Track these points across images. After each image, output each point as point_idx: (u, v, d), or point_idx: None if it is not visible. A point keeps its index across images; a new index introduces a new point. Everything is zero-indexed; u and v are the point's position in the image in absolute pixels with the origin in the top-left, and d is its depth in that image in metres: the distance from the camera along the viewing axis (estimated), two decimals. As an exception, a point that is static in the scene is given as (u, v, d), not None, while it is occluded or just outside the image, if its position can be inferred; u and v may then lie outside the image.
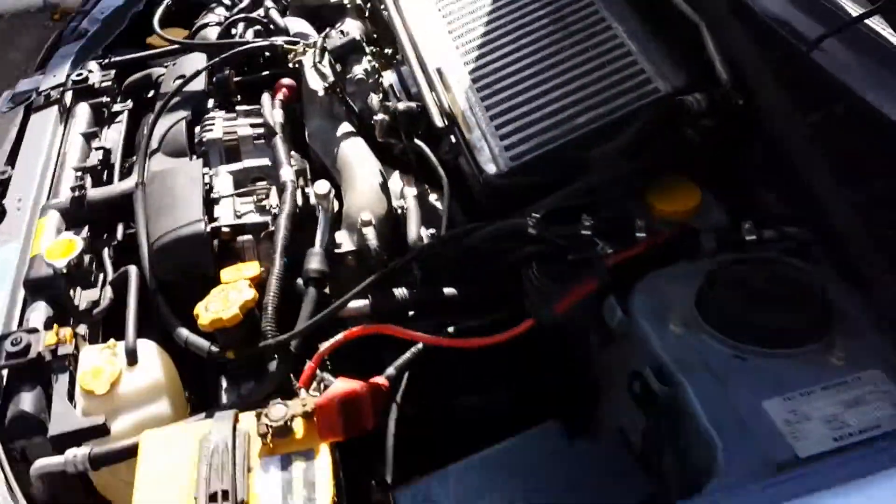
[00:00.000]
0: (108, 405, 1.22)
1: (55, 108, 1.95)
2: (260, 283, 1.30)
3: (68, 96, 1.94)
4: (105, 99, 1.93)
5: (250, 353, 1.24)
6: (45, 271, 1.43)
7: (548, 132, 1.37)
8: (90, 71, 2.01)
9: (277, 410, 1.06)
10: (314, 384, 1.14)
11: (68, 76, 2.01)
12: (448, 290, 1.31)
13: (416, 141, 1.45)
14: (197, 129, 1.67)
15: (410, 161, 1.51)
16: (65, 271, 1.39)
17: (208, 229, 1.40)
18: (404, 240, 1.36)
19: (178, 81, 1.76)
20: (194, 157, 1.62)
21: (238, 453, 1.02)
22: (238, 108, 1.72)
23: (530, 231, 1.16)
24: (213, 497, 0.97)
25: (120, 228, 1.65)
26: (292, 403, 1.06)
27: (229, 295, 1.28)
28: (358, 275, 1.36)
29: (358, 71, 1.62)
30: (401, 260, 1.26)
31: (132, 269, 1.43)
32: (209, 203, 1.47)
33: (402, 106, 1.46)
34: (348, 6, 1.94)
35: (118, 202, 1.61)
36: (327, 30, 1.73)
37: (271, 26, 1.90)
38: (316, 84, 1.63)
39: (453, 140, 1.43)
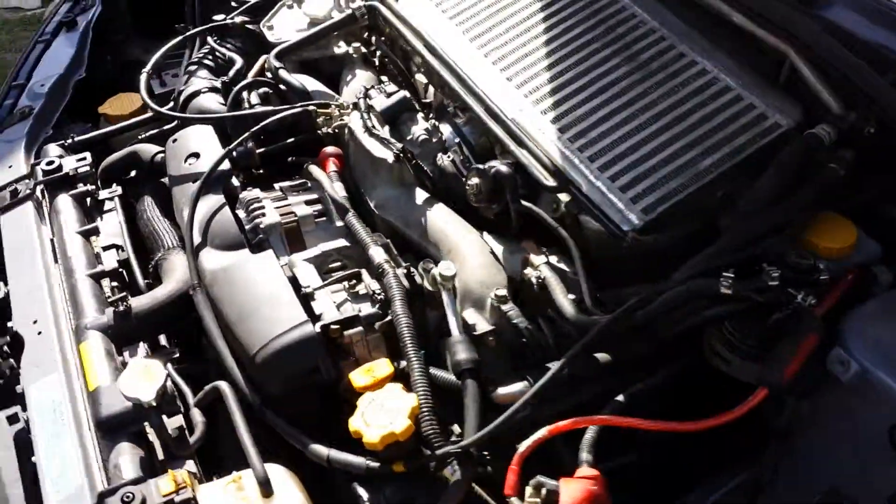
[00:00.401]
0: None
1: (28, 204, 1.66)
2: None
3: (39, 189, 1.66)
4: (88, 187, 1.66)
5: (423, 461, 1.07)
6: (122, 406, 1.18)
7: (672, 180, 1.30)
8: (59, 156, 1.73)
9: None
10: (530, 489, 1.00)
11: (33, 166, 1.72)
12: (602, 356, 1.21)
13: (526, 203, 1.33)
14: (241, 213, 1.45)
15: (506, 224, 1.39)
16: (154, 403, 1.15)
17: (318, 329, 1.21)
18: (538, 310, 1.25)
19: (196, 161, 1.54)
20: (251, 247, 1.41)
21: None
22: (278, 185, 1.53)
23: (723, 291, 1.07)
24: None
25: (163, 338, 1.43)
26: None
27: (386, 404, 1.11)
28: (499, 355, 1.23)
29: (419, 132, 1.49)
30: (580, 343, 1.13)
31: (224, 387, 1.22)
32: (303, 299, 1.27)
33: (504, 168, 1.33)
34: (354, 56, 1.79)
35: (168, 311, 1.38)
36: (364, 89, 1.58)
37: (282, 87, 1.71)
38: (381, 151, 1.47)
39: (566, 198, 1.33)
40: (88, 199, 1.68)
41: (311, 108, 1.59)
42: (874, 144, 1.25)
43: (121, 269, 1.49)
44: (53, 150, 1.76)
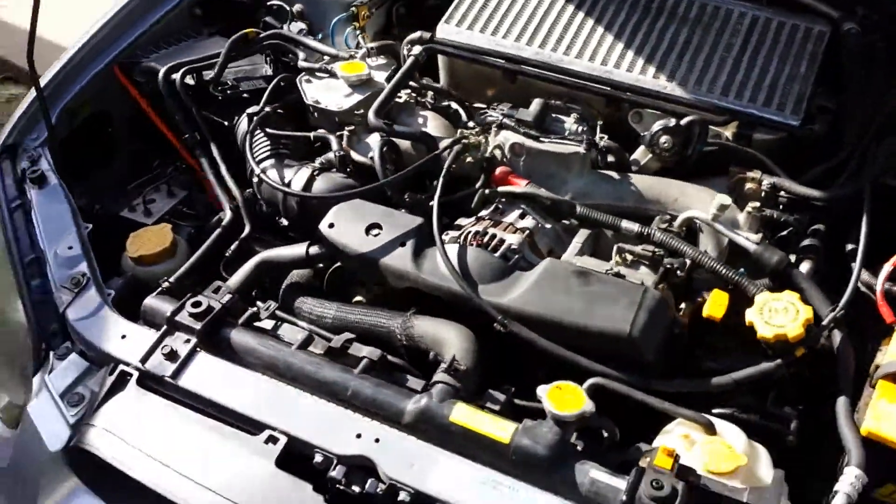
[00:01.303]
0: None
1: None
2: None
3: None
4: (249, 311, 1.43)
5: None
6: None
7: (792, 86, 1.64)
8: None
9: None
10: None
11: (172, 318, 1.38)
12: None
13: (712, 141, 1.58)
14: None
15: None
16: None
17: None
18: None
19: (381, 231, 1.45)
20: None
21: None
22: (465, 220, 1.55)
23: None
24: None
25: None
26: None
27: (783, 308, 1.27)
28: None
29: (573, 125, 1.63)
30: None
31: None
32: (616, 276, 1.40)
33: (693, 117, 1.58)
34: (410, 102, 1.80)
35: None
36: (501, 108, 1.67)
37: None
38: (567, 148, 1.57)
39: (732, 127, 1.61)
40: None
41: (463, 142, 1.61)
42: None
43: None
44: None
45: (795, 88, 1.65)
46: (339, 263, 1.53)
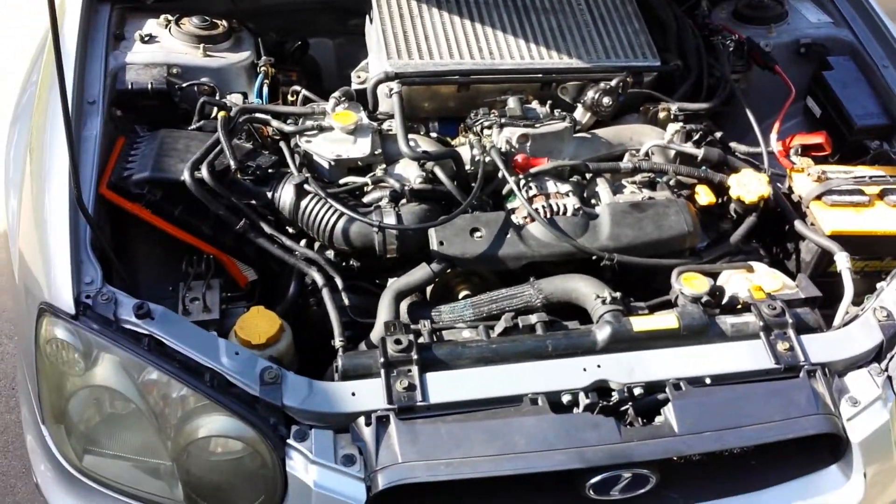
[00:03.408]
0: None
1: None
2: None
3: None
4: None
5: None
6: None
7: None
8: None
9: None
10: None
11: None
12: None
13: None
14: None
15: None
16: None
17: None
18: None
19: (483, 231, 1.82)
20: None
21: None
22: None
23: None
24: None
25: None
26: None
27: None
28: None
29: (544, 110, 2.14)
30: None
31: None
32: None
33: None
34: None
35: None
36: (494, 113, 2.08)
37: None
38: (559, 125, 2.07)
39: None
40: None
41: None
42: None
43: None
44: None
45: (642, 39, 2.34)
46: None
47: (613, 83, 2.18)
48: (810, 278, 1.90)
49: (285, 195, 1.90)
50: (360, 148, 1.99)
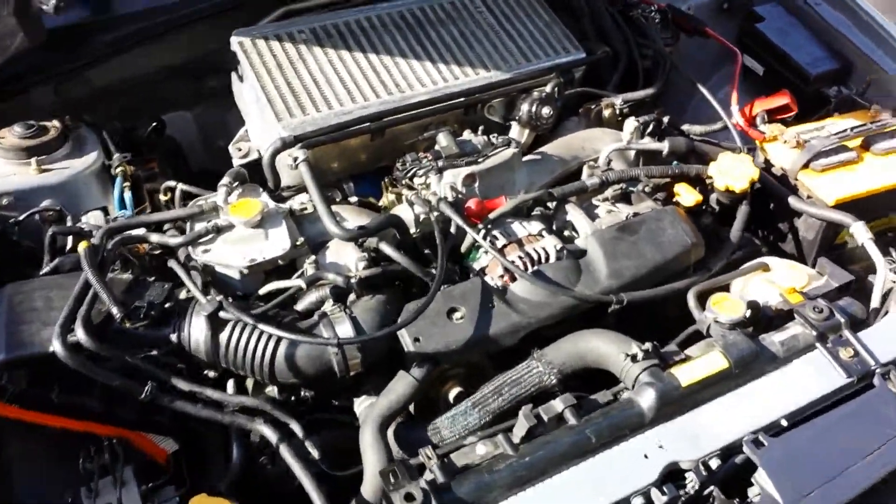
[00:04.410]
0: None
1: None
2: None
3: None
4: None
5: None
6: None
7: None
8: None
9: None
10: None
11: None
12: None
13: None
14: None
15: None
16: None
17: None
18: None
19: None
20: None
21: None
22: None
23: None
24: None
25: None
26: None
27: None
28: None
29: (481, 141, 1.77)
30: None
31: None
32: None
33: None
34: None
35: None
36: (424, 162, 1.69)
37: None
38: (505, 154, 1.71)
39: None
40: None
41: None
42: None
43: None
44: None
45: (558, 31, 2.02)
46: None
47: (548, 89, 1.85)
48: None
49: (196, 332, 1.43)
50: (277, 243, 1.56)
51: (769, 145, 1.83)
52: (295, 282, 1.52)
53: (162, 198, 1.80)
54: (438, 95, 1.82)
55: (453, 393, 1.49)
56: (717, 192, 1.72)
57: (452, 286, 1.51)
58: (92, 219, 1.65)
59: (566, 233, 1.67)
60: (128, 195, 1.78)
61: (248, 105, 1.91)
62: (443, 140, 1.73)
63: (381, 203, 1.78)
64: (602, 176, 1.71)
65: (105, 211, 1.69)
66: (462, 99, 1.83)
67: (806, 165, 1.75)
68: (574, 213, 1.67)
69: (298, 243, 1.57)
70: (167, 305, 1.45)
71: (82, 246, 1.48)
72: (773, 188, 1.77)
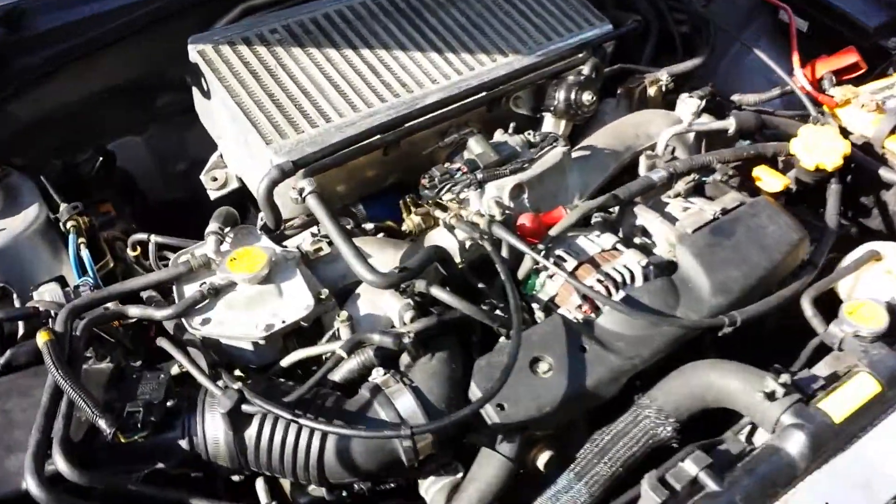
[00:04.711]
0: None
1: None
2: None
3: None
4: None
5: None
6: None
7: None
8: None
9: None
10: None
11: None
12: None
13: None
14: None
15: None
16: None
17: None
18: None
19: None
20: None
21: None
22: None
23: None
24: None
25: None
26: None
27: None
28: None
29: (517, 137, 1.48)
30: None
31: None
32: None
33: None
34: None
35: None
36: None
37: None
38: (554, 156, 1.41)
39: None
40: None
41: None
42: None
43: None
44: None
45: (574, 2, 1.73)
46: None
47: (587, 70, 1.55)
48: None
49: (214, 433, 1.09)
50: (297, 300, 1.21)
51: (842, 111, 1.57)
52: (326, 347, 1.18)
53: (131, 253, 1.44)
54: (456, 92, 1.49)
55: (543, 459, 1.19)
56: (803, 171, 1.46)
57: (527, 330, 1.20)
58: (46, 294, 1.28)
59: (636, 240, 1.39)
60: (86, 254, 1.41)
61: (221, 126, 1.55)
62: (475, 146, 1.41)
63: (404, 228, 1.46)
64: (668, 167, 1.43)
65: (62, 281, 1.32)
66: (484, 94, 1.51)
67: (894, 131, 1.51)
68: (646, 217, 1.38)
69: (323, 297, 1.23)
70: (169, 404, 1.10)
71: (42, 338, 1.11)
72: (857, 160, 1.52)
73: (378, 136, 1.41)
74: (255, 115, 1.42)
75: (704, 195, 1.45)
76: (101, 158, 1.68)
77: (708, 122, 1.53)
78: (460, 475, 1.16)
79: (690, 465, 1.10)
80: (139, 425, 1.06)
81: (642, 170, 1.50)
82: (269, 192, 1.33)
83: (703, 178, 1.45)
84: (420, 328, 1.18)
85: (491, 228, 1.27)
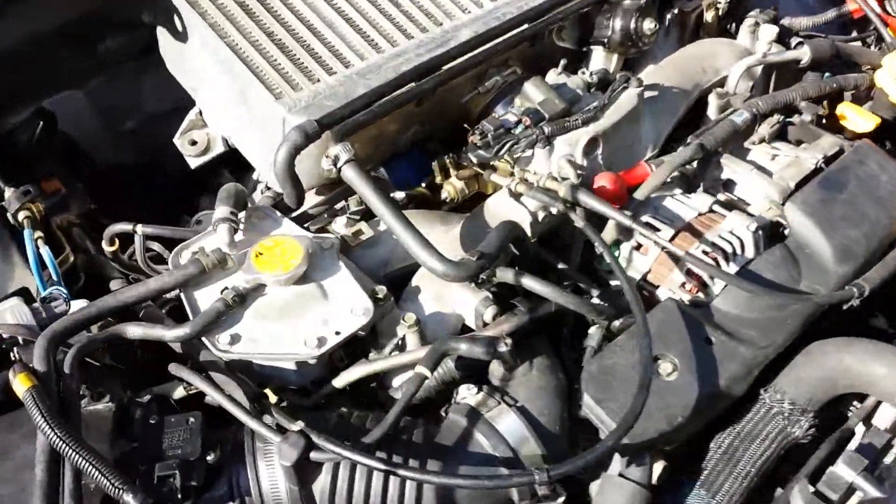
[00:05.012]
0: None
1: None
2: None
3: None
4: None
5: None
6: None
7: None
8: None
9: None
10: None
11: None
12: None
13: None
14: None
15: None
16: None
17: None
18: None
19: None
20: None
21: None
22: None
23: None
24: None
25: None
26: None
27: None
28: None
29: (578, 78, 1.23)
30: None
31: None
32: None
33: None
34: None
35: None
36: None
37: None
38: (629, 100, 1.15)
39: None
40: None
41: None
42: None
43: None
44: None
45: None
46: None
47: (647, -4, 1.30)
48: None
49: (273, 491, 0.84)
50: (349, 301, 0.94)
51: (916, 34, 1.40)
52: (395, 361, 0.93)
53: (108, 248, 1.14)
54: (494, 25, 1.22)
55: (657, 469, 1.01)
56: (888, 106, 1.28)
57: (628, 320, 0.99)
58: (8, 314, 0.97)
59: (720, 197, 1.19)
60: (46, 252, 1.10)
61: (200, 76, 1.24)
62: (534, 91, 1.16)
63: (444, 195, 1.20)
64: (750, 107, 1.22)
65: (25, 294, 1.01)
66: (525, 26, 1.25)
67: None
68: (737, 169, 1.17)
69: (381, 295, 0.98)
70: (210, 458, 0.84)
71: (22, 384, 0.82)
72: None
73: (413, 84, 1.14)
74: (256, 60, 1.12)
75: (787, 139, 1.26)
76: (41, 122, 1.33)
77: (781, 52, 1.32)
78: (562, 500, 0.97)
79: (845, 470, 0.94)
80: (178, 494, 0.80)
81: (713, 111, 1.29)
82: (290, 162, 1.04)
83: (789, 120, 1.25)
84: (512, 329, 0.95)
85: (576, 196, 1.04)
